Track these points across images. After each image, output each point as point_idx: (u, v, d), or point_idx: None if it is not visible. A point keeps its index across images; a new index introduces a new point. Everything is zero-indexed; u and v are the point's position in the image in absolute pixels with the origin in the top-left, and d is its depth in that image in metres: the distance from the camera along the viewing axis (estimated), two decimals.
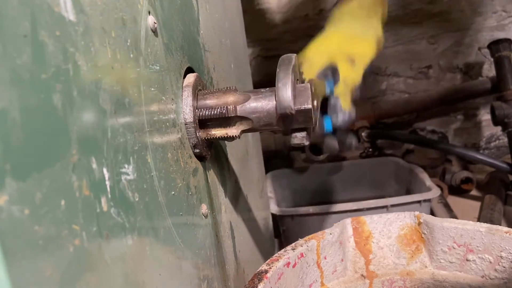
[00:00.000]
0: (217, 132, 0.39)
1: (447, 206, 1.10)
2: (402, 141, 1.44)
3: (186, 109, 0.37)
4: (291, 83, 0.36)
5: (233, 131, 0.38)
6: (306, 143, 0.40)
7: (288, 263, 0.43)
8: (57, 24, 0.20)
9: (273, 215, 0.96)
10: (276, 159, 1.44)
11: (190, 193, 0.36)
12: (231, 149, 0.54)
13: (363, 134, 1.33)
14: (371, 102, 1.48)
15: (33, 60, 0.18)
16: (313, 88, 0.39)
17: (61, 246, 0.18)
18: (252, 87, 0.91)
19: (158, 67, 0.32)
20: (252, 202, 0.67)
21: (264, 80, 1.48)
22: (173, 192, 0.32)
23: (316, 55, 0.57)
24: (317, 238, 0.47)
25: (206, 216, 0.40)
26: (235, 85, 0.63)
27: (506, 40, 1.20)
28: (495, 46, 1.21)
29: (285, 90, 0.36)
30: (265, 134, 1.35)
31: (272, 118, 0.38)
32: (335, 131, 0.56)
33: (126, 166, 0.25)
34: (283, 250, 0.45)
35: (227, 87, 0.39)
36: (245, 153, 0.65)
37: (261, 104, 0.38)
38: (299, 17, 1.43)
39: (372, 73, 1.50)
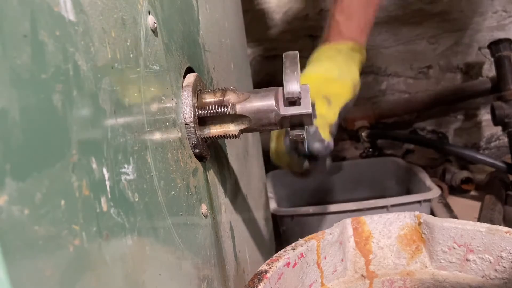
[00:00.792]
0: (217, 132, 0.39)
1: (447, 206, 1.10)
2: (402, 141, 1.44)
3: (186, 109, 0.37)
4: (299, 71, 0.37)
5: (232, 130, 0.38)
6: (303, 134, 0.40)
7: (288, 263, 0.43)
8: (57, 24, 0.20)
9: (273, 215, 0.96)
10: None
11: (190, 193, 0.36)
12: (231, 149, 0.54)
13: (363, 134, 1.33)
14: (371, 102, 1.48)
15: (33, 60, 0.18)
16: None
17: (61, 246, 0.18)
18: (252, 87, 0.91)
19: (158, 67, 0.32)
20: (252, 202, 0.67)
21: (264, 80, 1.48)
22: (173, 192, 0.32)
23: None
24: (317, 238, 0.47)
25: (206, 216, 0.40)
26: (235, 85, 0.63)
27: (506, 40, 1.20)
28: (495, 46, 1.21)
29: (294, 77, 0.36)
30: (265, 134, 1.35)
31: (272, 118, 0.38)
32: (313, 157, 0.58)
33: (126, 166, 0.25)
34: (283, 250, 0.45)
35: (226, 87, 0.40)
36: (245, 153, 0.65)
37: (260, 103, 0.38)
38: (299, 17, 1.43)
39: (372, 73, 1.50)
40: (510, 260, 0.44)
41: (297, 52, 0.39)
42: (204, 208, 0.39)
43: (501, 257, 0.44)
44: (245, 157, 0.65)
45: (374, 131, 1.35)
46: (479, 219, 1.02)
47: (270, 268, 0.41)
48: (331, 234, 0.48)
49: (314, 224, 0.97)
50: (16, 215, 0.16)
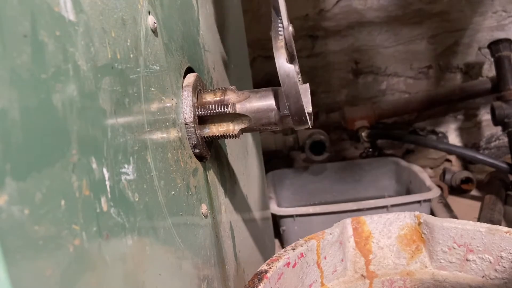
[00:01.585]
0: (217, 131, 0.39)
1: (447, 206, 1.10)
2: (402, 141, 1.44)
3: (186, 109, 0.37)
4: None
5: (232, 129, 0.38)
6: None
7: (288, 263, 0.43)
8: (57, 24, 0.20)
9: (273, 215, 0.96)
10: (276, 159, 1.44)
11: (190, 193, 0.36)
12: (231, 149, 0.54)
13: (363, 134, 1.33)
14: (371, 102, 1.48)
15: (33, 60, 0.18)
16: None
17: (61, 246, 0.18)
18: (252, 87, 0.91)
19: (158, 67, 0.32)
20: (252, 202, 0.67)
21: (264, 80, 1.48)
22: (173, 192, 0.32)
23: None
24: (317, 238, 0.47)
25: (206, 216, 0.40)
26: (235, 85, 0.63)
27: (506, 40, 1.20)
28: (495, 46, 1.21)
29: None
30: (265, 134, 1.35)
31: (271, 117, 0.38)
32: None
33: (126, 166, 0.25)
34: (283, 250, 0.45)
35: (226, 87, 0.40)
36: (245, 153, 0.65)
37: (260, 103, 0.38)
38: (299, 17, 1.43)
39: (372, 73, 1.50)
40: (510, 260, 0.44)
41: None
42: (204, 208, 0.39)
43: (501, 257, 0.44)
44: (245, 157, 0.65)
45: (374, 131, 1.35)
46: (479, 219, 1.02)
47: (270, 268, 0.41)
48: (331, 234, 0.48)
49: (314, 224, 0.97)
50: (16, 215, 0.16)
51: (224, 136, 0.39)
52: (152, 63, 0.31)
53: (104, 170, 0.22)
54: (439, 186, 1.06)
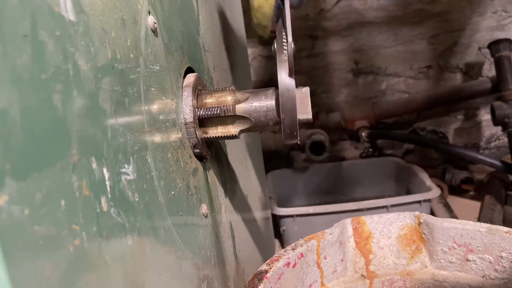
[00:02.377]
0: (217, 132, 0.39)
1: (447, 206, 1.10)
2: (402, 141, 1.44)
3: (186, 109, 0.37)
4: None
5: (232, 130, 0.38)
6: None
7: (288, 263, 0.43)
8: (57, 24, 0.20)
9: (273, 215, 0.96)
10: (276, 159, 1.44)
11: (190, 193, 0.36)
12: (231, 149, 0.54)
13: (363, 134, 1.33)
14: (371, 102, 1.48)
15: (33, 60, 0.18)
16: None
17: (61, 246, 0.18)
18: (252, 87, 0.91)
19: (158, 67, 0.32)
20: (252, 202, 0.67)
21: (264, 80, 1.48)
22: (173, 192, 0.32)
23: None
24: (317, 238, 0.47)
25: (206, 216, 0.40)
26: (235, 85, 0.63)
27: (506, 40, 1.20)
28: (495, 46, 1.21)
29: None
30: (265, 134, 1.35)
31: (271, 118, 0.38)
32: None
33: (126, 166, 0.25)
34: (283, 250, 0.45)
35: (226, 87, 0.40)
36: (245, 153, 0.65)
37: (260, 103, 0.38)
38: (299, 17, 1.43)
39: (372, 73, 1.50)
40: (510, 260, 0.44)
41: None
42: (204, 208, 0.39)
43: (501, 257, 0.44)
44: (245, 157, 0.65)
45: (374, 131, 1.35)
46: (479, 219, 1.02)
47: (270, 268, 0.41)
48: (331, 234, 0.48)
49: (314, 224, 0.97)
50: (16, 215, 0.16)
51: (224, 137, 0.39)
52: (152, 63, 0.31)
53: (104, 170, 0.22)
54: (439, 186, 1.06)
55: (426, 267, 0.49)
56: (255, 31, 0.57)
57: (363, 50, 1.47)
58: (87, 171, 0.21)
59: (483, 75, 1.46)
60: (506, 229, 0.44)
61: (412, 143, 1.46)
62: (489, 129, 1.51)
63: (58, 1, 0.20)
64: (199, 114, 0.38)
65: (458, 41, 1.44)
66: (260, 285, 0.38)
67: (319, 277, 0.47)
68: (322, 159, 1.28)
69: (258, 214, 0.72)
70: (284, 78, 0.36)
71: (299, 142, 0.40)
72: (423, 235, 0.49)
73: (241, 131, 0.39)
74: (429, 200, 0.97)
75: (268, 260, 0.43)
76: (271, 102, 0.38)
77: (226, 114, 0.38)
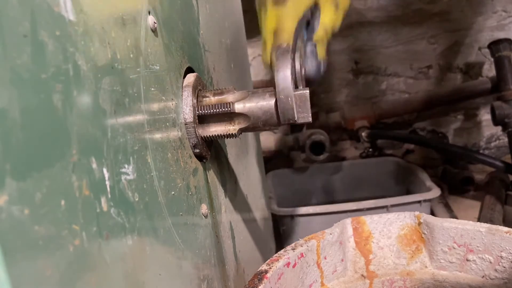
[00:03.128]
0: (216, 131, 0.39)
1: (447, 206, 1.10)
2: (402, 141, 1.44)
3: (186, 109, 0.37)
4: (292, 89, 0.37)
5: (232, 129, 0.39)
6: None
7: (288, 263, 0.43)
8: (57, 24, 0.20)
9: (273, 215, 0.96)
10: (276, 159, 1.44)
11: (190, 193, 0.36)
12: (231, 149, 0.54)
13: (363, 134, 1.33)
14: (371, 102, 1.48)
15: (33, 60, 0.18)
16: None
17: (61, 246, 0.18)
18: (252, 87, 0.91)
19: (158, 67, 0.32)
20: (252, 202, 0.67)
21: (264, 80, 1.48)
22: (173, 192, 0.32)
23: None
24: (317, 238, 0.47)
25: (206, 216, 0.40)
26: (235, 85, 0.63)
27: (506, 40, 1.20)
28: (495, 46, 1.21)
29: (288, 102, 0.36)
30: (265, 134, 1.35)
31: (271, 117, 0.38)
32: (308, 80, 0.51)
33: (126, 166, 0.25)
34: (283, 250, 0.45)
35: (226, 87, 0.40)
36: (245, 153, 0.65)
37: (259, 103, 0.38)
38: None
39: (372, 73, 1.50)
40: (510, 260, 0.44)
41: (289, 56, 0.39)
42: (204, 208, 0.39)
43: (501, 257, 0.44)
44: (245, 157, 0.65)
45: (374, 131, 1.35)
46: (479, 219, 1.02)
47: (270, 268, 0.41)
48: (331, 234, 0.48)
49: (314, 224, 0.97)
50: (16, 215, 0.16)
51: (223, 136, 0.39)
52: (152, 63, 0.31)
53: (104, 170, 0.22)
54: (439, 186, 1.06)
55: (426, 267, 0.49)
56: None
57: (363, 50, 1.47)
58: (87, 171, 0.21)
59: (483, 75, 1.46)
60: (506, 229, 0.44)
61: (412, 143, 1.46)
62: (489, 129, 1.51)
63: (58, 1, 0.20)
64: (199, 113, 0.38)
65: (458, 41, 1.44)
66: (260, 285, 0.38)
67: (319, 277, 0.47)
68: (322, 159, 1.28)
69: (258, 214, 0.72)
70: (283, 79, 0.36)
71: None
72: (423, 235, 0.49)
73: (241, 130, 0.39)
74: (429, 200, 0.97)
75: (268, 260, 0.43)
76: (271, 101, 0.38)
77: (226, 113, 0.38)
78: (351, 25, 1.44)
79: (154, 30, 0.32)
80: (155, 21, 0.32)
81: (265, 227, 0.79)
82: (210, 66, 0.48)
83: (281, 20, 0.47)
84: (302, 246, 0.45)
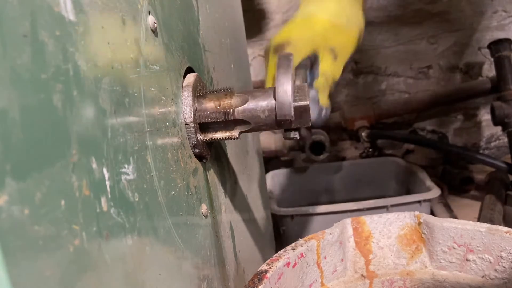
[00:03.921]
0: (217, 134, 0.39)
1: (447, 206, 1.10)
2: (402, 141, 1.44)
3: (186, 109, 0.37)
4: (292, 90, 0.37)
5: (232, 132, 0.39)
6: (298, 137, 0.40)
7: (288, 263, 0.43)
8: (57, 24, 0.20)
9: (273, 215, 0.96)
10: (276, 159, 1.44)
11: (190, 193, 0.36)
12: (231, 149, 0.54)
13: (363, 134, 1.33)
14: (371, 102, 1.48)
15: (33, 60, 0.18)
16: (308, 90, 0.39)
17: (61, 246, 0.18)
18: (252, 87, 0.91)
19: (158, 67, 0.32)
20: (252, 202, 0.67)
21: (264, 80, 1.48)
22: (173, 192, 0.32)
23: (301, 40, 0.52)
24: (317, 238, 0.47)
25: (206, 216, 0.40)
26: (235, 85, 0.63)
27: (506, 40, 1.20)
28: (495, 46, 1.21)
29: (286, 97, 0.36)
30: (265, 134, 1.35)
31: (271, 120, 0.38)
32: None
33: (126, 166, 0.25)
34: (283, 250, 0.45)
35: (226, 88, 0.40)
36: (245, 153, 0.65)
37: (259, 105, 0.38)
38: None
39: (372, 73, 1.50)
40: (510, 260, 0.44)
41: (291, 57, 0.39)
42: (204, 208, 0.39)
43: (501, 257, 0.44)
44: (245, 157, 0.65)
45: (374, 131, 1.35)
46: (479, 219, 1.02)
47: (270, 268, 0.41)
48: (331, 234, 0.48)
49: (314, 224, 0.97)
50: (16, 215, 0.16)
51: (223, 138, 0.39)
52: (152, 63, 0.31)
53: (104, 170, 0.22)
54: (439, 186, 1.06)
55: (426, 267, 0.49)
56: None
57: (363, 50, 1.47)
58: (87, 171, 0.21)
59: (483, 75, 1.46)
60: (506, 229, 0.44)
61: (412, 143, 1.45)
62: (489, 129, 1.51)
63: (58, 1, 0.20)
64: (199, 121, 0.38)
65: (458, 41, 1.44)
66: (260, 285, 0.38)
67: (319, 277, 0.47)
68: (322, 159, 1.28)
69: (258, 214, 0.72)
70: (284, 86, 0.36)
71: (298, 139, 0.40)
72: (423, 235, 0.49)
73: (241, 133, 0.39)
74: (429, 200, 0.97)
75: (268, 260, 0.43)
76: (271, 102, 0.38)
77: (226, 119, 0.38)
78: None
79: (154, 30, 0.32)
80: (155, 21, 0.32)
81: (265, 227, 0.79)
82: (210, 66, 0.48)
83: None
84: (302, 246, 0.45)
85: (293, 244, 0.46)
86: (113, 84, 0.24)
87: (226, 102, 0.38)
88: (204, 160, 0.41)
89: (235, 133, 0.38)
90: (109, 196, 0.22)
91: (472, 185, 1.27)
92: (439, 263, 0.48)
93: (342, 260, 0.49)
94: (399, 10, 1.42)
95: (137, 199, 0.26)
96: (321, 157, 1.27)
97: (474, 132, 1.53)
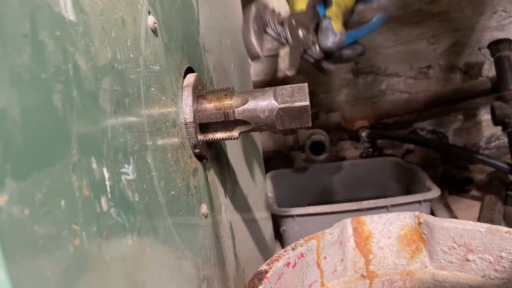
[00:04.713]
0: (217, 134, 0.39)
1: (447, 206, 1.10)
2: (402, 141, 1.44)
3: (186, 109, 0.37)
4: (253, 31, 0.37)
5: (232, 133, 0.39)
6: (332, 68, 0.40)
7: (288, 263, 0.43)
8: (57, 24, 0.20)
9: (273, 215, 0.96)
10: (276, 159, 1.44)
11: (190, 193, 0.36)
12: (231, 149, 0.54)
13: (363, 134, 1.33)
14: (371, 102, 1.48)
15: (33, 60, 0.18)
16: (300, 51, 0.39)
17: (61, 246, 0.18)
18: (252, 87, 0.91)
19: (158, 67, 0.32)
20: (252, 202, 0.67)
21: (264, 80, 1.48)
22: (173, 192, 0.32)
23: None
24: (317, 238, 0.47)
25: (206, 216, 0.40)
26: (235, 85, 0.63)
27: (506, 40, 1.20)
28: (495, 46, 1.21)
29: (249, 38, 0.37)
30: (265, 134, 1.35)
31: (271, 120, 0.38)
32: (327, 54, 0.52)
33: (126, 166, 0.25)
34: (283, 250, 0.45)
35: (226, 88, 0.40)
36: (245, 153, 0.65)
37: (259, 106, 0.38)
38: None
39: (372, 73, 1.50)
40: (510, 260, 0.44)
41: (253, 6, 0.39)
42: (204, 208, 0.39)
43: (501, 257, 0.44)
44: (245, 157, 0.65)
45: (374, 131, 1.35)
46: (479, 219, 1.02)
47: (270, 268, 0.41)
48: (331, 234, 0.48)
49: (314, 224, 0.97)
50: (16, 215, 0.16)
51: (223, 138, 0.39)
52: (152, 63, 0.31)
53: (104, 170, 0.22)
54: (439, 186, 1.06)
55: (426, 267, 0.49)
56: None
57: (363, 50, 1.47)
58: (87, 171, 0.21)
59: (483, 75, 1.46)
60: (506, 229, 0.44)
61: (412, 143, 1.45)
62: (489, 129, 1.51)
63: (58, 1, 0.20)
64: (199, 121, 0.38)
65: (458, 41, 1.44)
66: (260, 285, 0.38)
67: (319, 277, 0.47)
68: (322, 159, 1.28)
69: (258, 214, 0.72)
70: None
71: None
72: (423, 235, 0.49)
73: (241, 133, 0.39)
74: (429, 200, 0.97)
75: (268, 260, 0.43)
76: (271, 102, 0.38)
77: (226, 120, 0.38)
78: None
79: (154, 30, 0.32)
80: (155, 21, 0.32)
81: (265, 227, 0.79)
82: (210, 66, 0.48)
83: None
84: (302, 246, 0.45)
85: (293, 244, 0.46)
86: (113, 84, 0.24)
87: (226, 102, 0.38)
88: (204, 160, 0.41)
89: (235, 133, 0.38)
90: (109, 196, 0.22)
91: (472, 185, 1.27)
92: (439, 263, 0.48)
93: (342, 260, 0.49)
94: (399, 10, 1.42)
95: (137, 199, 0.26)
96: (321, 157, 1.27)
97: (474, 132, 1.53)
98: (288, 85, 0.38)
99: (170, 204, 0.31)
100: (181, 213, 0.33)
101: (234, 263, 0.49)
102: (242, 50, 0.75)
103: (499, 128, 1.18)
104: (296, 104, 0.38)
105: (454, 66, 1.47)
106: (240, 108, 0.38)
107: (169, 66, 0.34)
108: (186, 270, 0.34)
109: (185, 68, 0.38)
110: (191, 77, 0.38)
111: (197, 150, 0.38)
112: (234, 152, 0.56)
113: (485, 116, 1.50)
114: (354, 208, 0.95)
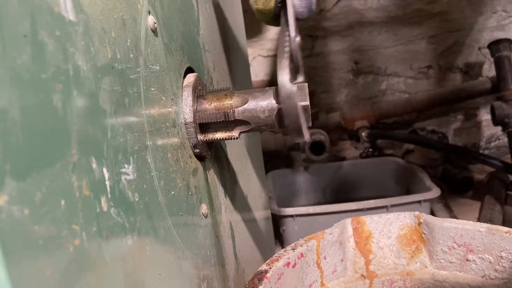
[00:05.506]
0: (217, 134, 0.39)
1: (447, 206, 1.10)
2: (402, 141, 1.44)
3: (186, 109, 0.37)
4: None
5: (232, 133, 0.39)
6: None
7: (288, 263, 0.43)
8: (57, 24, 0.20)
9: (273, 215, 0.96)
10: (276, 159, 1.44)
11: (190, 193, 0.36)
12: (231, 149, 0.54)
13: (363, 134, 1.33)
14: (371, 102, 1.48)
15: (33, 60, 0.18)
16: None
17: (61, 246, 0.18)
18: (252, 87, 0.91)
19: (158, 67, 0.32)
20: (252, 202, 0.67)
21: (264, 80, 1.48)
22: (173, 192, 0.32)
23: None
24: (317, 238, 0.47)
25: (206, 216, 0.40)
26: (235, 85, 0.63)
27: (506, 40, 1.20)
28: (495, 46, 1.21)
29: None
30: (265, 134, 1.35)
31: (271, 120, 0.38)
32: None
33: (126, 166, 0.25)
34: (283, 250, 0.45)
35: (226, 88, 0.40)
36: (245, 153, 0.65)
37: (259, 106, 0.38)
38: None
39: (372, 73, 1.50)
40: (510, 260, 0.44)
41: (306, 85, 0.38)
42: (204, 208, 0.39)
43: (501, 257, 0.44)
44: (245, 157, 0.65)
45: (374, 131, 1.35)
46: (479, 219, 1.02)
47: (270, 268, 0.41)
48: (331, 234, 0.48)
49: (314, 224, 0.97)
50: (16, 215, 0.16)
51: (223, 138, 0.39)
52: (152, 63, 0.31)
53: (104, 170, 0.22)
54: (439, 186, 1.06)
55: (426, 267, 0.49)
56: (253, 7, 0.53)
57: (363, 50, 1.47)
58: (87, 171, 0.21)
59: (483, 75, 1.46)
60: (506, 229, 0.44)
61: (412, 143, 1.46)
62: (489, 129, 1.51)
63: (58, 1, 0.20)
64: (199, 122, 0.38)
65: (458, 41, 1.44)
66: (260, 285, 0.38)
67: (319, 277, 0.47)
68: (322, 159, 1.28)
69: (258, 214, 0.72)
70: (286, 84, 0.34)
71: (307, 140, 0.39)
72: (423, 235, 0.49)
73: (241, 133, 0.39)
74: (429, 200, 0.97)
75: (268, 260, 0.43)
76: (271, 102, 0.38)
77: (227, 119, 0.38)
78: (351, 25, 1.44)
79: (154, 30, 0.32)
80: (155, 21, 0.32)
81: (265, 227, 0.79)
82: (210, 66, 0.48)
83: None
84: (302, 246, 0.45)
85: (293, 244, 0.46)
86: (113, 84, 0.24)
87: (226, 102, 0.38)
88: (204, 160, 0.41)
89: (235, 133, 0.38)
90: (109, 196, 0.22)
91: (472, 185, 1.27)
92: (439, 263, 0.48)
93: (342, 260, 0.49)
94: (399, 10, 1.42)
95: (137, 199, 0.26)
96: (321, 157, 1.27)
97: (474, 132, 1.53)
98: None
99: (170, 204, 0.31)
100: (181, 213, 0.33)
101: (234, 263, 0.49)
102: (242, 50, 0.75)
103: (499, 128, 1.18)
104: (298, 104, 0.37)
105: (454, 66, 1.47)
106: (240, 108, 0.38)
107: (169, 66, 0.34)
108: (186, 270, 0.34)
109: (185, 68, 0.38)
110: (191, 77, 0.38)
111: (197, 150, 0.38)
112: (234, 152, 0.56)
113: (485, 116, 1.50)
114: (354, 208, 0.95)
